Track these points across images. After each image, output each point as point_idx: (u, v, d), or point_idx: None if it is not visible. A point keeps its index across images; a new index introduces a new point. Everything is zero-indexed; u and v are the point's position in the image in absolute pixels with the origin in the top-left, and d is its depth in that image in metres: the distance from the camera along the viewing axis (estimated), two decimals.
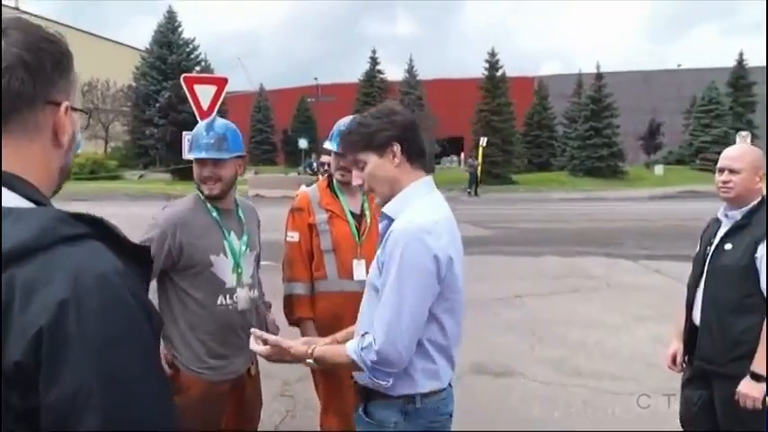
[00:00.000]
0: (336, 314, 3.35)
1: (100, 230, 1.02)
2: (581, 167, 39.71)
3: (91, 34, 50.81)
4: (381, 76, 49.43)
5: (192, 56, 38.85)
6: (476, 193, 32.06)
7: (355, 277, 3.36)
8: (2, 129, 1.05)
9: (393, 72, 57.19)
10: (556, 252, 12.93)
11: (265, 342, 2.25)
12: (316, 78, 56.80)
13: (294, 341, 2.27)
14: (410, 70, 45.82)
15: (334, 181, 3.50)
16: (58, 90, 1.09)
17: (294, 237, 3.43)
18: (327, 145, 3.49)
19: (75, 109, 1.15)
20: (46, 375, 0.88)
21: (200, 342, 2.91)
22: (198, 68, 38.42)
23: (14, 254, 0.92)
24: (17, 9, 45.24)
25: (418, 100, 42.59)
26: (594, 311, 8.20)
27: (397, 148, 2.16)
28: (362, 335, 2.11)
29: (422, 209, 2.12)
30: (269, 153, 51.94)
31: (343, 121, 3.46)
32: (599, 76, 41.63)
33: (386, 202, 2.21)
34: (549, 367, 6.08)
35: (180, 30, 38.86)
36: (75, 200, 21.20)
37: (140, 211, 17.40)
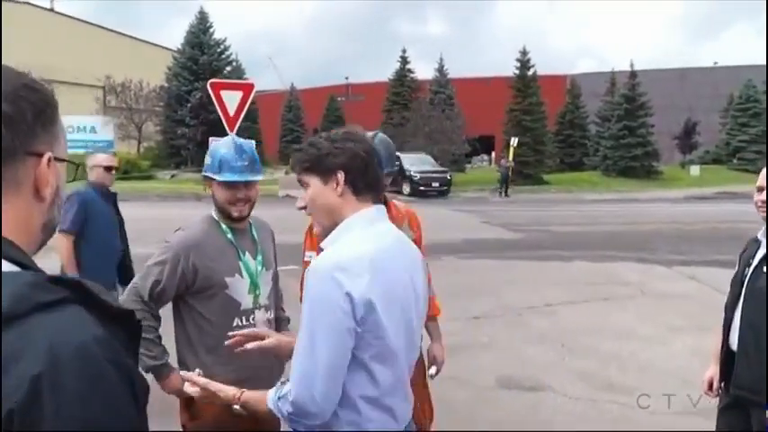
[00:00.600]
0: None
1: (80, 294, 0.94)
2: (614, 167, 39.06)
3: (125, 35, 51.47)
4: (412, 75, 49.28)
5: (223, 56, 39.11)
6: (506, 194, 31.76)
7: None
8: None
9: (423, 71, 56.82)
10: (588, 257, 12.69)
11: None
12: (346, 77, 56.89)
13: (226, 386, 2.17)
14: (440, 69, 45.61)
15: None
16: (39, 141, 1.02)
17: (312, 257, 3.33)
18: None
19: (59, 159, 1.07)
20: None
21: (220, 366, 2.84)
22: (229, 68, 38.68)
23: None
24: (52, 10, 46.13)
25: (448, 99, 42.38)
26: (628, 321, 7.99)
27: (341, 176, 1.98)
28: (282, 382, 1.97)
29: (348, 243, 1.93)
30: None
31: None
32: (633, 74, 40.85)
33: (326, 233, 2.06)
34: (579, 381, 5.91)
35: (211, 30, 39.15)
36: None
37: (170, 211, 17.69)
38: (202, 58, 37.35)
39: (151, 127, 40.17)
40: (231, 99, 7.81)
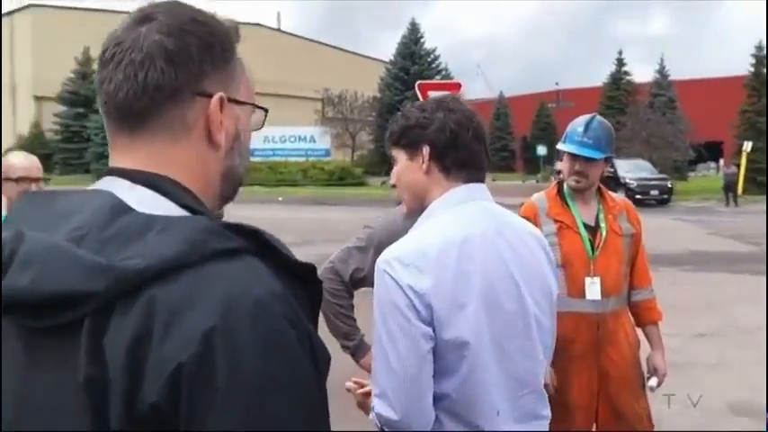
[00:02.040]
0: (566, 337, 2.96)
1: (258, 244, 0.83)
2: None
3: (342, 50, 54.61)
4: (628, 77, 46.72)
5: (434, 65, 39.99)
6: (735, 203, 28.76)
7: (588, 296, 2.95)
8: (142, 127, 0.90)
9: (641, 74, 53.77)
10: None
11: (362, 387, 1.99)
12: (556, 83, 55.45)
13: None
14: (661, 71, 42.79)
15: (565, 188, 3.11)
16: (210, 80, 0.91)
17: None
18: (561, 146, 3.12)
19: (238, 102, 0.96)
20: (185, 423, 0.71)
21: None
22: (438, 77, 39.39)
23: (155, 272, 0.75)
24: (279, 30, 50.26)
25: (669, 102, 39.52)
26: None
27: (426, 151, 1.71)
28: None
29: (424, 231, 1.66)
30: (507, 160, 51.59)
31: (579, 121, 3.08)
32: None
33: (413, 215, 1.79)
34: None
35: (422, 40, 40.23)
36: (321, 204, 22.79)
37: (372, 214, 18.14)
38: (413, 68, 38.43)
39: (364, 136, 42.10)
40: None
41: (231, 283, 0.76)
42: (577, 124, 3.06)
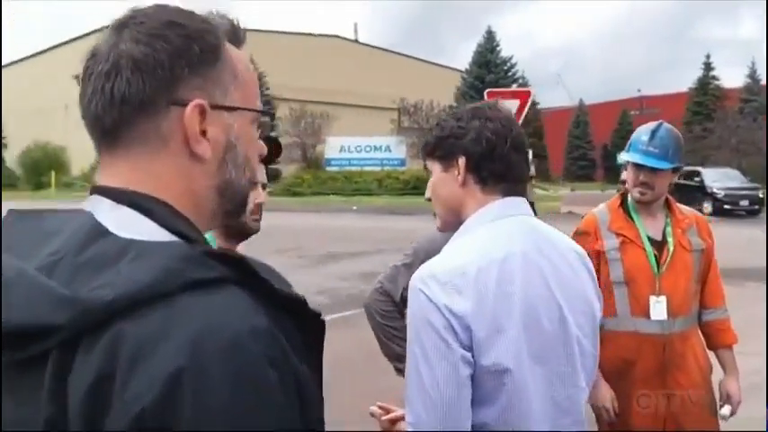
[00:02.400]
0: (627, 359, 2.81)
1: (244, 274, 0.76)
2: None
3: (418, 59, 54.69)
4: (716, 82, 44.81)
5: (510, 73, 39.48)
6: None
7: (652, 316, 2.76)
8: (117, 142, 0.84)
9: (731, 78, 51.50)
10: None
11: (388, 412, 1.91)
12: (639, 90, 53.73)
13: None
14: (752, 75, 40.78)
15: (629, 199, 2.94)
16: (187, 86, 0.84)
17: None
18: (624, 156, 2.95)
19: (232, 108, 0.88)
20: None
21: None
22: (515, 86, 38.86)
23: (125, 304, 0.69)
24: (356, 41, 50.82)
25: (762, 108, 37.61)
26: None
27: (461, 162, 1.61)
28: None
29: (461, 247, 1.54)
30: (586, 169, 50.41)
31: (645, 128, 2.90)
32: None
33: (447, 229, 1.69)
34: None
35: (498, 49, 39.83)
36: (395, 213, 22.79)
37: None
38: (489, 76, 38.10)
39: None
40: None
41: (205, 317, 0.69)
42: (642, 132, 2.88)
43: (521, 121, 7.52)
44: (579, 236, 2.96)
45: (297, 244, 14.73)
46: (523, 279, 1.49)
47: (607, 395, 2.80)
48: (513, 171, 1.62)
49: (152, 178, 0.84)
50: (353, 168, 37.28)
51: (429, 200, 1.76)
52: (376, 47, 53.39)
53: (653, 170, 2.78)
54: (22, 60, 53.01)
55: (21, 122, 44.14)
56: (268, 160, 2.16)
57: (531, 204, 1.73)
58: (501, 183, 1.61)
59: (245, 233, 2.11)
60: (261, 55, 37.81)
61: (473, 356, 1.44)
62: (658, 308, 2.76)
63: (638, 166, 2.82)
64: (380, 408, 1.92)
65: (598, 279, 2.86)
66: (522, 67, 41.25)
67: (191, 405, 0.65)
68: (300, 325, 0.80)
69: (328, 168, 35.22)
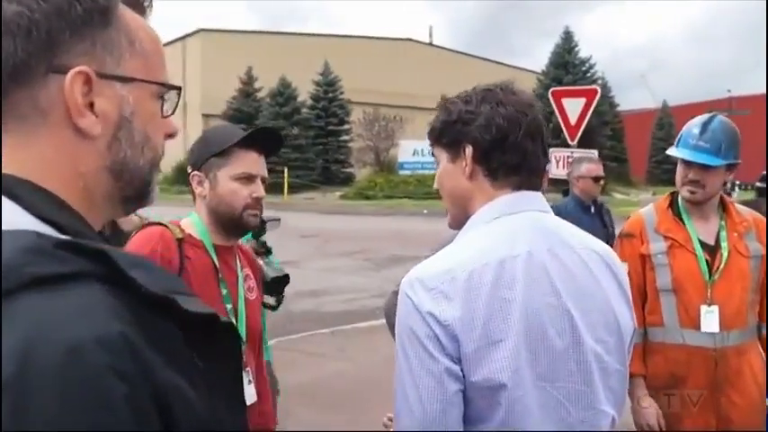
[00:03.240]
0: (675, 374, 2.57)
1: (105, 268, 0.65)
2: None
3: (493, 61, 53.98)
4: None
5: (588, 74, 38.38)
6: None
7: (703, 328, 2.51)
8: None
9: None
10: None
11: None
12: (729, 90, 51.23)
13: None
14: None
15: (679, 199, 2.69)
16: (70, 51, 0.73)
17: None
18: (672, 151, 2.70)
19: (126, 79, 0.78)
20: None
21: None
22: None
23: None
24: (431, 44, 50.62)
25: None
26: None
27: (468, 151, 1.41)
28: None
29: (457, 248, 1.37)
30: (670, 173, 48.03)
31: (696, 121, 2.66)
32: None
33: (457, 226, 1.49)
34: None
35: (576, 49, 38.79)
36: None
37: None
38: (566, 77, 37.12)
39: None
40: (573, 107, 7.31)
41: (42, 321, 0.59)
42: (693, 125, 2.64)
43: (585, 122, 7.20)
44: (624, 238, 2.74)
45: (365, 247, 14.76)
46: (526, 284, 1.30)
47: (652, 412, 2.57)
48: (528, 162, 1.42)
49: (33, 159, 0.74)
50: (426, 172, 37.12)
51: (437, 191, 1.59)
52: (450, 49, 53.01)
53: (704, 167, 2.53)
54: None
55: None
56: (267, 154, 2.07)
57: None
58: (513, 175, 1.42)
59: (242, 228, 2.03)
60: (336, 59, 38.34)
61: (462, 370, 1.27)
62: (709, 319, 2.50)
63: (687, 163, 2.58)
64: (391, 419, 1.78)
65: (644, 285, 2.65)
66: (602, 68, 40.00)
67: (9, 422, 0.55)
68: (204, 335, 0.71)
69: (401, 172, 35.13)
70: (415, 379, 1.29)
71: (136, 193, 0.83)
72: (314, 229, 16.90)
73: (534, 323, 1.29)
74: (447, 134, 1.48)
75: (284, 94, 36.74)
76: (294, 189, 32.34)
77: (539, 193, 1.46)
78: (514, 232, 1.36)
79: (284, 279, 2.63)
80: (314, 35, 46.16)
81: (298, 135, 35.74)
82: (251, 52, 39.36)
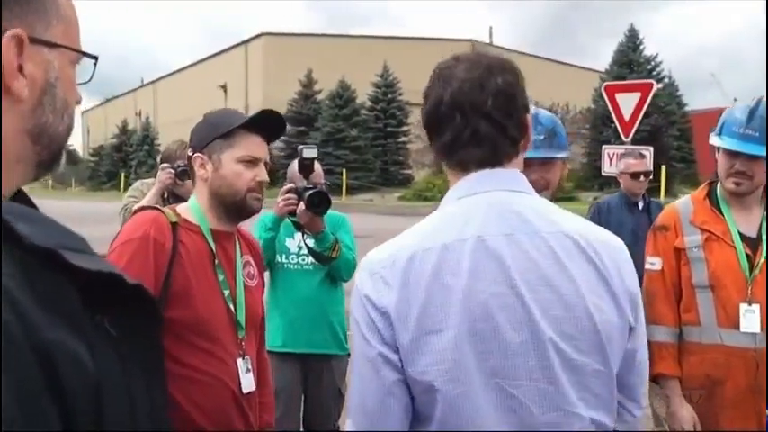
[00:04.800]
0: (713, 377, 2.40)
1: None
2: None
3: (553, 61, 53.08)
4: None
5: (654, 73, 37.26)
6: None
7: (742, 327, 2.34)
8: None
9: None
10: None
11: None
12: None
13: None
14: None
15: (719, 191, 2.52)
16: (4, 16, 0.73)
17: (655, 264, 2.55)
18: (715, 141, 2.53)
19: (53, 45, 0.78)
20: None
21: None
22: (659, 86, 36.77)
23: None
24: (490, 45, 50.09)
25: None
26: None
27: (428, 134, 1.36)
28: None
29: (406, 233, 1.29)
30: None
31: (741, 107, 2.48)
32: None
33: None
34: None
35: (641, 47, 37.75)
36: None
37: None
38: (630, 76, 36.14)
39: (576, 149, 40.41)
40: (627, 102, 7.05)
41: None
42: (737, 111, 2.46)
43: (639, 118, 6.94)
44: (657, 231, 2.59)
45: None
46: (472, 271, 1.18)
47: (687, 417, 2.41)
48: (462, 138, 1.27)
49: None
50: None
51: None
52: (510, 49, 52.41)
53: (751, 157, 2.36)
54: (171, 74, 57.02)
55: (167, 132, 47.65)
56: (269, 140, 2.03)
57: None
58: (460, 155, 1.29)
59: (244, 212, 1.99)
60: (395, 61, 38.36)
61: (401, 361, 1.19)
62: (750, 318, 2.33)
63: (732, 154, 2.41)
64: None
65: (679, 282, 2.49)
66: (669, 67, 38.80)
67: None
68: (114, 300, 0.70)
69: None
70: (357, 366, 1.25)
71: (50, 157, 0.83)
72: (370, 229, 16.90)
73: (480, 314, 1.17)
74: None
75: (343, 96, 36.95)
76: (353, 190, 32.49)
77: (512, 171, 1.31)
78: (466, 215, 1.25)
79: (321, 194, 2.64)
80: (373, 37, 46.26)
81: (356, 137, 35.90)
82: (311, 55, 39.78)
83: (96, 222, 8.33)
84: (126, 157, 50.22)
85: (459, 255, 1.19)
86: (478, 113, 1.25)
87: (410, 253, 1.21)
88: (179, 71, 55.79)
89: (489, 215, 1.24)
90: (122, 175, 44.97)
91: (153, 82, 59.49)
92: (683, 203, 2.59)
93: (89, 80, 0.88)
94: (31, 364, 0.60)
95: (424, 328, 1.17)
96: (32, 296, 0.62)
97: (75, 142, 72.05)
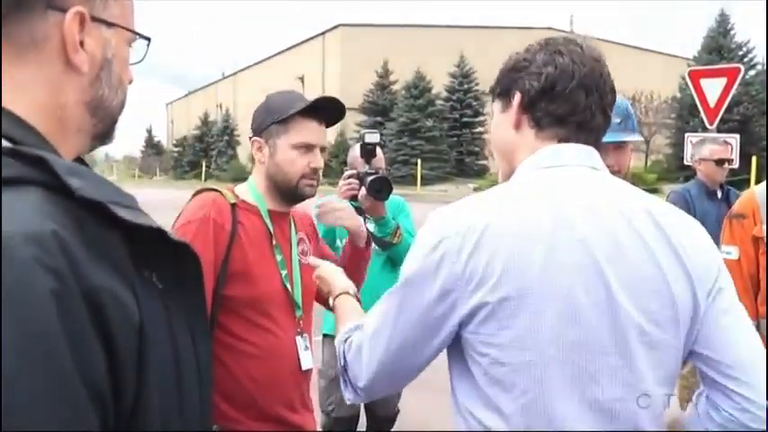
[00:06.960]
0: None
1: (44, 174, 0.70)
2: None
3: (637, 48, 51.35)
4: None
5: (746, 59, 35.51)
6: None
7: None
8: None
9: None
10: None
11: None
12: None
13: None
14: None
15: None
16: None
17: (731, 253, 2.42)
18: None
19: (111, 24, 0.84)
20: None
21: None
22: (752, 72, 34.99)
23: None
24: (571, 32, 48.84)
25: None
26: None
27: (517, 99, 1.33)
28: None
29: (479, 200, 1.29)
30: None
31: None
32: None
33: (507, 179, 1.38)
34: None
35: (732, 33, 36.01)
36: None
37: None
38: (720, 63, 34.60)
39: (660, 140, 39.03)
40: (712, 88, 6.73)
41: None
42: None
43: (725, 104, 6.61)
44: (733, 219, 2.46)
45: None
46: (553, 242, 1.18)
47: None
48: (578, 116, 1.31)
49: (14, 85, 0.79)
50: None
51: None
52: (590, 37, 51.02)
53: None
54: (250, 67, 58.32)
55: (246, 123, 48.85)
56: (328, 124, 2.04)
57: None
58: (560, 127, 1.31)
59: (298, 197, 2.01)
60: (471, 50, 38.01)
61: (448, 316, 1.23)
62: None
63: None
64: None
65: (757, 272, 2.35)
66: (762, 53, 36.79)
67: None
68: (160, 254, 0.77)
69: None
70: (400, 314, 1.29)
71: (105, 130, 0.89)
72: None
73: (558, 285, 1.16)
74: (501, 83, 1.41)
75: (419, 86, 36.91)
76: (427, 181, 32.45)
77: (590, 149, 1.33)
78: (547, 187, 1.26)
79: (383, 179, 2.66)
80: (450, 26, 45.92)
81: (432, 127, 35.81)
82: (387, 45, 39.90)
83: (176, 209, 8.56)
84: (207, 148, 51.93)
85: (539, 225, 1.19)
86: (599, 104, 1.32)
87: (487, 221, 1.20)
88: (257, 63, 57.06)
89: (571, 190, 1.25)
90: (203, 164, 46.37)
91: (233, 74, 61.08)
92: (762, 190, 2.44)
93: (141, 60, 0.93)
94: (81, 308, 0.64)
95: (500, 293, 1.17)
96: (83, 244, 0.67)
97: (160, 133, 74.86)
